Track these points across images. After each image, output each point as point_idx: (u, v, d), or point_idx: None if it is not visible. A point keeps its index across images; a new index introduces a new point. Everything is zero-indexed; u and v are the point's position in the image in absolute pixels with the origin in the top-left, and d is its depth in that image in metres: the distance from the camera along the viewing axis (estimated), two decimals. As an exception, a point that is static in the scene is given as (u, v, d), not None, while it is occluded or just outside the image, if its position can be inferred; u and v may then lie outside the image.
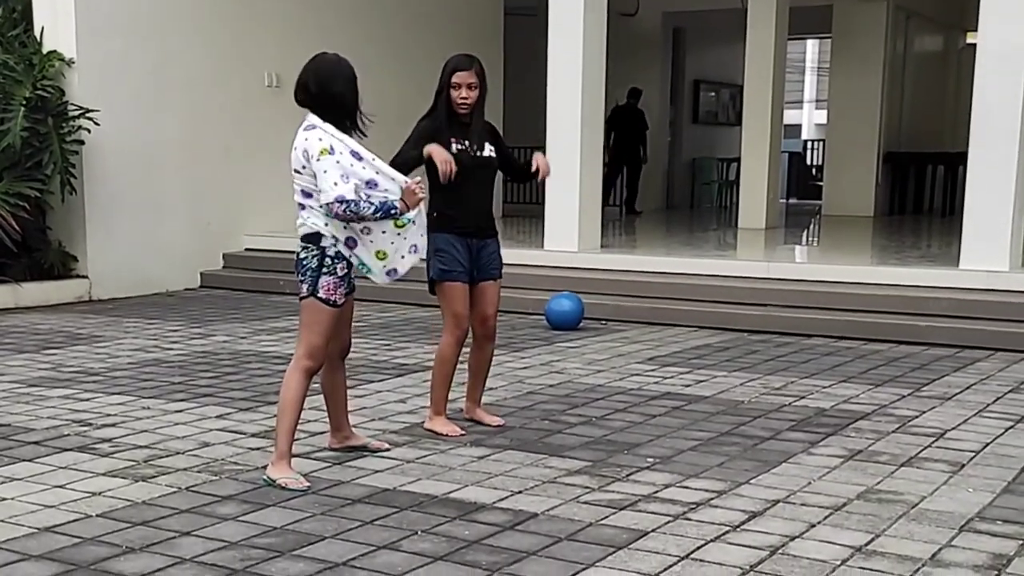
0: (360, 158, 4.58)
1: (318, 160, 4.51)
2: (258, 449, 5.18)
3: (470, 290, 5.48)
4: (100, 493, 4.50)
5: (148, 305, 10.21)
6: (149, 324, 9.06)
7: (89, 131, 10.04)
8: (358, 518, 4.21)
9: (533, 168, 5.61)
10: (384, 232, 4.67)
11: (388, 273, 4.76)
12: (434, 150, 5.26)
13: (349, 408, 5.21)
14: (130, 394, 6.36)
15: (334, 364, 4.98)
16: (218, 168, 11.54)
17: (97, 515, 4.24)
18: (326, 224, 4.60)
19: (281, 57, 11.35)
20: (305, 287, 4.65)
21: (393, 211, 4.57)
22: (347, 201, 4.46)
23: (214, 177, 11.55)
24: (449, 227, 5.39)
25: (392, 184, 4.63)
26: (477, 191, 5.49)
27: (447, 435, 5.44)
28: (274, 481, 4.59)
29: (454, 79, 5.38)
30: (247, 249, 11.91)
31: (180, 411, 5.94)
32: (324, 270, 4.63)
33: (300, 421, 4.83)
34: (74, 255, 10.39)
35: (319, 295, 4.63)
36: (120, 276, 10.66)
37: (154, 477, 4.73)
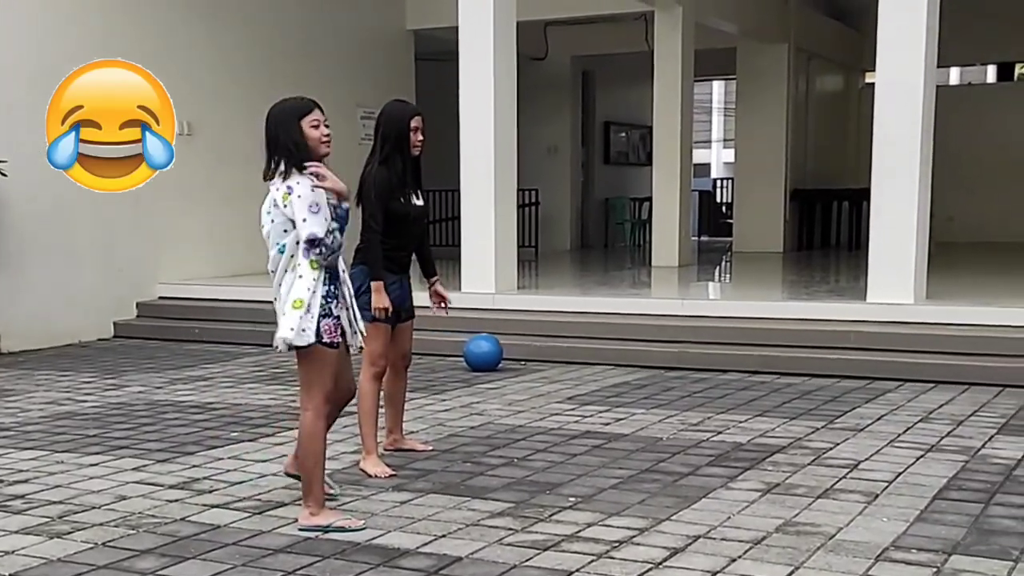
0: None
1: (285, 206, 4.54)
2: (176, 501, 5.10)
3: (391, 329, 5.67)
4: (13, 551, 4.40)
5: (60, 356, 10.02)
6: (62, 376, 8.88)
7: (-4, 181, 9.87)
8: (280, 568, 4.17)
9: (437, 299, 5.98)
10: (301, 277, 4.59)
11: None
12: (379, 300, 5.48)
13: (268, 457, 5.17)
14: (43, 448, 6.23)
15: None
16: (130, 216, 11.39)
17: (10, 574, 4.13)
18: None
19: (192, 105, 11.27)
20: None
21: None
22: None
23: (126, 225, 11.39)
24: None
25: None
26: (420, 237, 5.81)
27: (376, 475, 5.48)
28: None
29: (413, 124, 5.60)
30: (161, 297, 11.75)
31: (95, 464, 5.83)
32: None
33: (218, 471, 4.79)
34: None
35: (323, 340, 4.62)
36: (31, 327, 10.44)
37: (69, 533, 4.64)
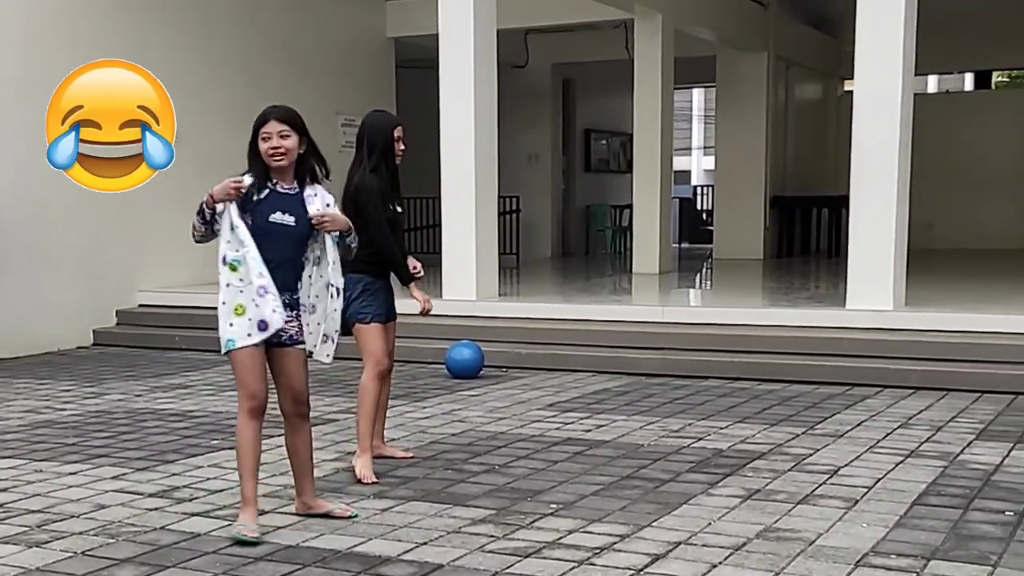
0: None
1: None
2: (156, 509, 5.08)
3: None
4: (-8, 561, 4.38)
5: (39, 364, 9.96)
6: (40, 384, 8.83)
7: (-26, 189, 9.83)
8: (262, 576, 4.16)
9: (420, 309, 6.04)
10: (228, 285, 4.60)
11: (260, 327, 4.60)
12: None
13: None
14: (22, 457, 6.19)
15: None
16: (109, 224, 11.34)
17: (-10, 584, 4.12)
18: None
19: (177, 114, 11.20)
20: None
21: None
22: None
23: (105, 233, 11.35)
24: (370, 271, 5.64)
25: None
26: (401, 242, 5.90)
27: (362, 478, 5.51)
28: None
29: (396, 133, 5.70)
30: (141, 305, 11.71)
31: (74, 473, 5.81)
32: None
33: (198, 479, 4.78)
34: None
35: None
36: (9, 335, 10.38)
37: (48, 542, 4.61)
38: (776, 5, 17.50)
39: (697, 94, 35.36)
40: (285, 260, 4.61)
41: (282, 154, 4.61)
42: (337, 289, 4.74)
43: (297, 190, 4.70)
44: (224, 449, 6.28)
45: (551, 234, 19.36)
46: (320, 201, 4.70)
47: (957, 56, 18.70)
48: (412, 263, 5.79)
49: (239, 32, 12.94)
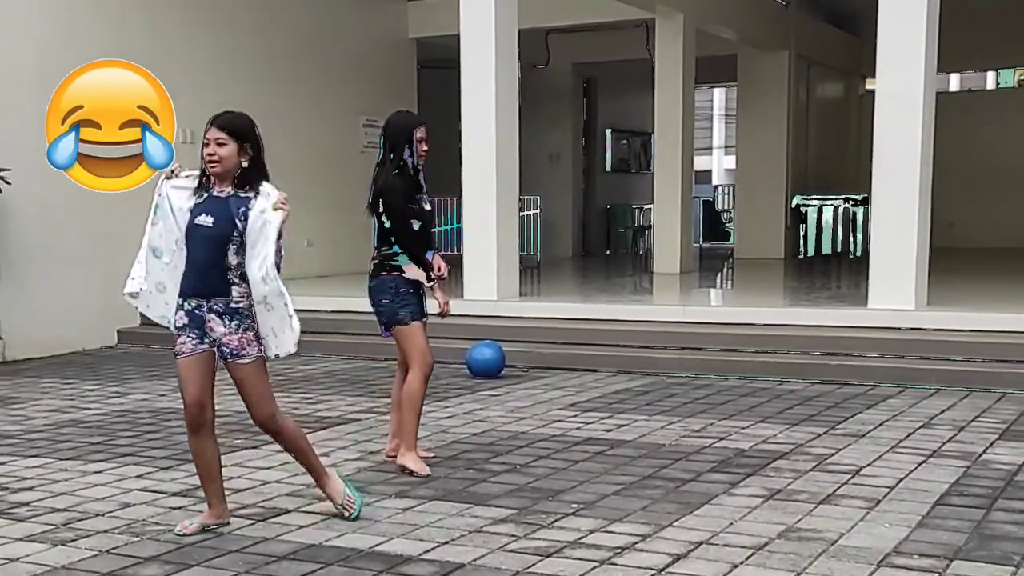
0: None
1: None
2: (179, 508, 5.12)
3: None
4: (18, 559, 4.42)
5: (64, 365, 10.04)
6: (66, 384, 8.90)
7: (0, 191, 9.89)
8: (284, 575, 4.19)
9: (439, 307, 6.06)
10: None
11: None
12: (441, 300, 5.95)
13: (271, 464, 5.18)
14: (47, 456, 6.25)
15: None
16: (133, 223, 11.37)
17: (16, 581, 4.16)
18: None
19: (195, 112, 11.24)
20: None
21: None
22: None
23: (129, 232, 11.36)
24: (402, 272, 5.70)
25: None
26: (431, 240, 5.91)
27: (418, 473, 5.60)
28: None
29: (418, 134, 5.72)
30: (163, 305, 11.74)
31: (99, 472, 5.85)
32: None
33: (224, 478, 4.82)
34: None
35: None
36: (35, 336, 10.47)
37: (73, 540, 4.65)
38: (797, 4, 17.48)
39: (718, 93, 35.28)
40: (207, 262, 4.60)
41: (216, 161, 4.62)
42: (266, 301, 4.66)
43: (229, 194, 4.64)
44: (247, 448, 6.32)
45: (572, 234, 19.37)
46: (257, 208, 4.62)
47: (980, 54, 18.61)
48: (437, 263, 5.79)
49: (260, 32, 12.99)
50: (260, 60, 12.86)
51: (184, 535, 4.66)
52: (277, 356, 4.76)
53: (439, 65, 15.28)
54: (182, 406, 4.73)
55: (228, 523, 4.81)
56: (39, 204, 10.44)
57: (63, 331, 10.76)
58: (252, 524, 4.85)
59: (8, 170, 9.86)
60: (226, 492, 5.11)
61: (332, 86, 13.66)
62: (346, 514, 4.84)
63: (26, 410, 7.76)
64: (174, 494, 5.39)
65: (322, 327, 10.09)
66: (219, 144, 4.62)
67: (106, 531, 4.78)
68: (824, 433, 6.64)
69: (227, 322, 4.61)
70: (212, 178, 4.68)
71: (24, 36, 10.51)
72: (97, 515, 5.04)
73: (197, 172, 4.75)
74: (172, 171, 4.81)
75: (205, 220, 4.62)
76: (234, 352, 4.64)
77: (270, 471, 5.78)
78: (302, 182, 13.41)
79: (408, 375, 5.75)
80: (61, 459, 6.17)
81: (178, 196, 4.73)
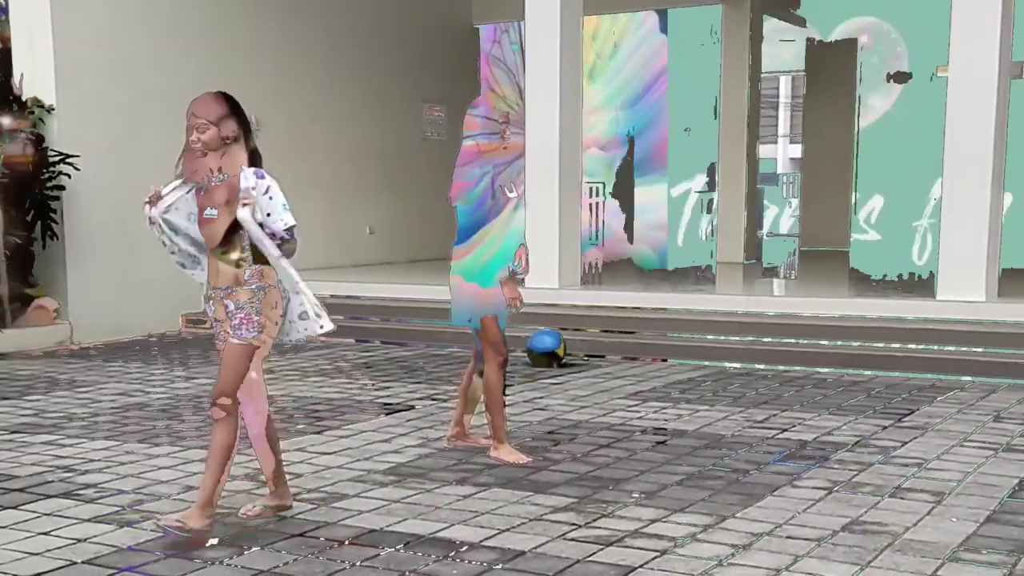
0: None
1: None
2: (243, 492, 5.16)
3: None
4: (85, 539, 4.49)
5: (130, 349, 10.18)
6: (132, 368, 9.03)
7: (69, 176, 10.04)
8: (345, 559, 4.21)
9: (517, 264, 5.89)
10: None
11: None
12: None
13: (334, 450, 5.21)
14: (114, 439, 6.34)
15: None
16: (198, 211, 11.52)
17: (82, 561, 4.22)
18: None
19: (261, 99, 11.39)
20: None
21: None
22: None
23: (194, 220, 11.53)
24: None
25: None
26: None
27: (515, 463, 5.62)
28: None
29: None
30: (228, 291, 11.87)
31: (164, 455, 5.93)
32: None
33: (284, 463, 4.86)
34: (56, 300, 10.36)
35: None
36: (102, 321, 10.62)
37: (139, 522, 4.72)
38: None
39: (784, 81, 34.86)
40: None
41: (200, 148, 4.50)
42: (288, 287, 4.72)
43: (223, 179, 4.55)
44: (309, 434, 6.37)
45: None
46: (243, 183, 4.53)
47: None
48: (520, 255, 5.69)
49: (324, 17, 13.05)
50: (322, 45, 12.92)
51: (247, 517, 4.70)
52: (304, 339, 4.84)
53: (502, 53, 15.25)
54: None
55: (291, 507, 4.85)
56: (106, 191, 10.58)
57: (130, 316, 10.91)
58: (314, 508, 4.88)
59: (77, 156, 10.01)
60: (288, 476, 5.15)
61: (395, 74, 13.69)
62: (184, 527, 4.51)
63: (93, 393, 7.89)
64: (237, 478, 5.43)
65: (383, 313, 10.14)
66: (200, 130, 4.47)
67: (171, 513, 4.83)
68: (890, 425, 6.55)
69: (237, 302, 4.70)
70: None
71: (90, 24, 10.64)
72: (162, 497, 5.10)
73: (178, 183, 4.67)
74: (151, 199, 4.69)
75: (213, 213, 4.58)
76: (234, 327, 4.71)
77: (332, 456, 5.82)
78: (363, 169, 13.52)
79: (484, 369, 5.75)
80: (127, 442, 6.26)
81: (176, 216, 4.71)
